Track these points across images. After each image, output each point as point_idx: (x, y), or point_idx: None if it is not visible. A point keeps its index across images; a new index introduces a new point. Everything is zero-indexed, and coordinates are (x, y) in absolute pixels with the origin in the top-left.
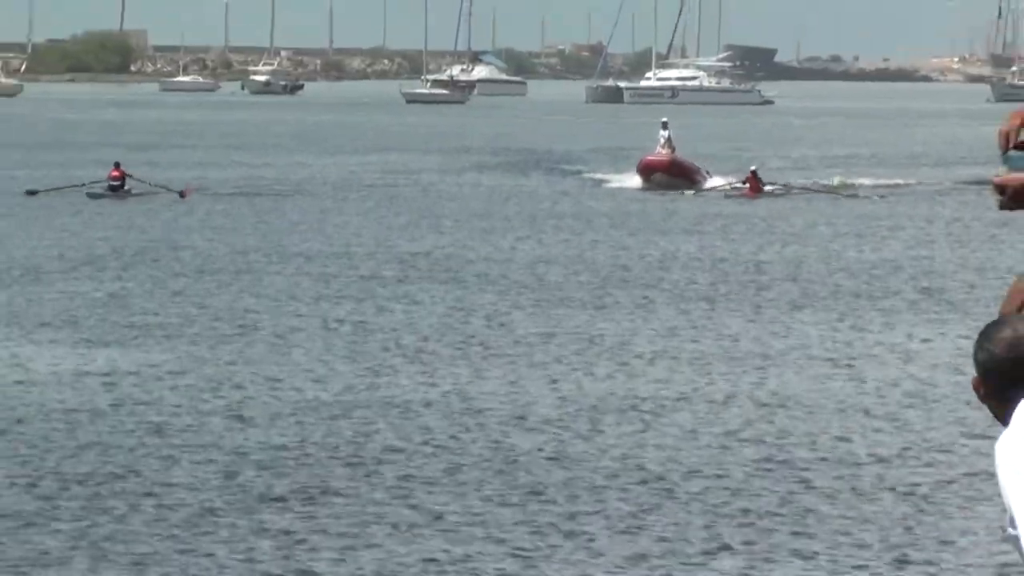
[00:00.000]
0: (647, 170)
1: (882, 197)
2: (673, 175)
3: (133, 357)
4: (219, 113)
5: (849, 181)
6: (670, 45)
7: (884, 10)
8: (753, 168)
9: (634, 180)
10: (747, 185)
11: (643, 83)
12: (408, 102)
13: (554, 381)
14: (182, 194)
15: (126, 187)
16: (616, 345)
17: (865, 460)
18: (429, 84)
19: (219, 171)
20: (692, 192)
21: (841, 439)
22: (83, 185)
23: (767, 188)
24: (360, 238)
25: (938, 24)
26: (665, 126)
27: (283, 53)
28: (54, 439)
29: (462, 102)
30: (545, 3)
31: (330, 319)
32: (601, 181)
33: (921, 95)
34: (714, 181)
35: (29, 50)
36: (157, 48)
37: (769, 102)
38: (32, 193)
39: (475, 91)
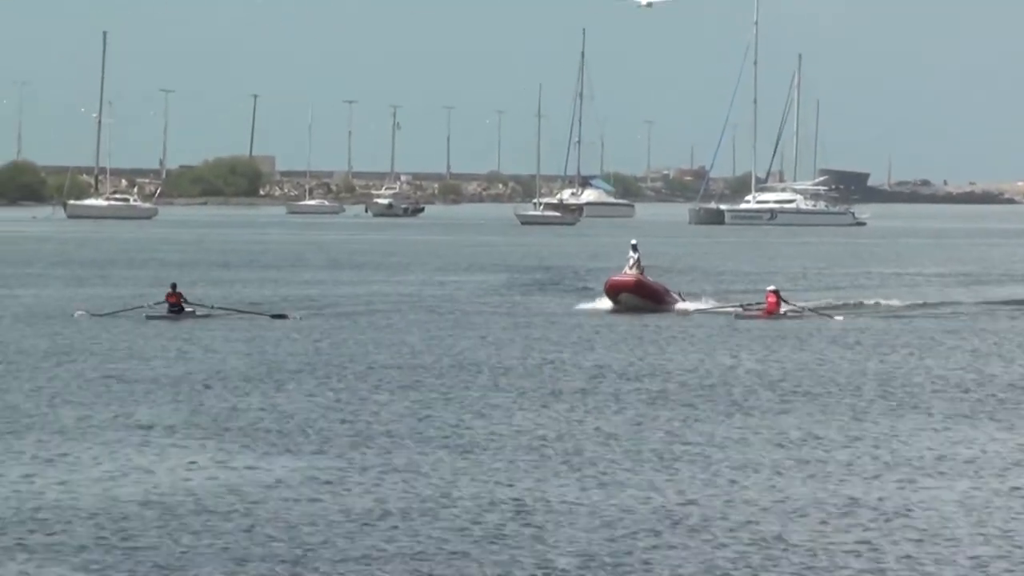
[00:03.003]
0: (613, 290)
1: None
2: (640, 296)
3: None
4: (345, 233)
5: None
6: (768, 170)
7: (972, 136)
8: (772, 288)
9: (605, 302)
10: (763, 305)
11: (743, 205)
12: (523, 224)
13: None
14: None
15: (187, 309)
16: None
17: None
18: (541, 207)
19: (349, 288)
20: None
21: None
22: (142, 308)
23: (783, 309)
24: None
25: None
26: (635, 248)
27: (403, 178)
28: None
29: (573, 224)
30: (651, 130)
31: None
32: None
33: (1007, 216)
34: (685, 304)
35: (164, 175)
36: (284, 173)
37: (861, 223)
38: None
39: (584, 213)
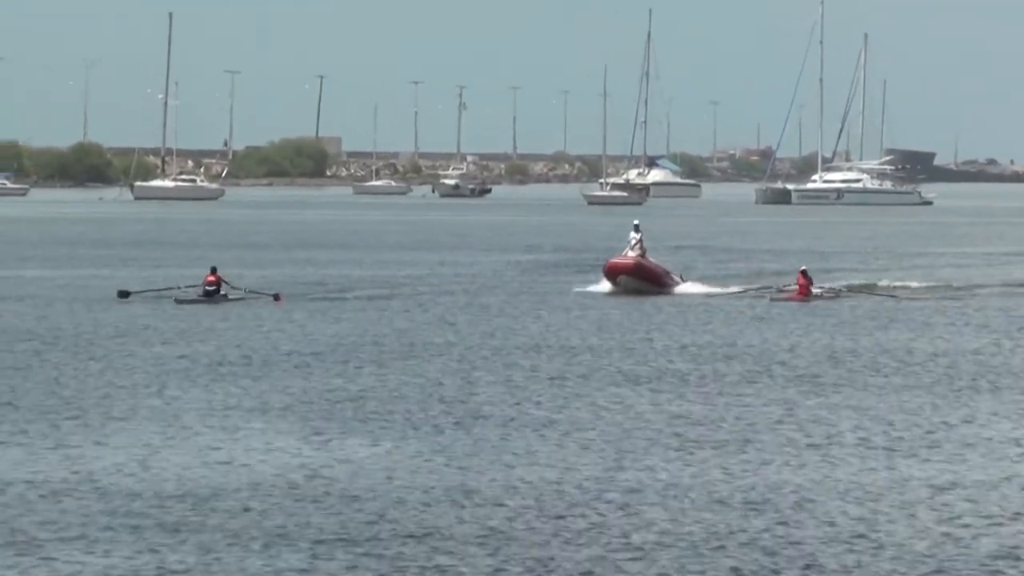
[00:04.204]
0: (612, 273)
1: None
2: (638, 278)
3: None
4: (413, 214)
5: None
6: (835, 149)
7: None
8: (803, 268)
9: (604, 284)
10: (796, 287)
11: (810, 185)
12: (590, 204)
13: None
14: (276, 297)
15: (222, 292)
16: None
17: None
18: (609, 187)
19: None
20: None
21: None
22: (176, 289)
23: (815, 291)
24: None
25: None
26: (637, 228)
27: (469, 158)
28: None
29: (639, 203)
30: (716, 110)
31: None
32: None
33: None
34: (687, 286)
35: (230, 156)
36: (350, 154)
37: (928, 203)
38: (124, 295)
39: (650, 193)
